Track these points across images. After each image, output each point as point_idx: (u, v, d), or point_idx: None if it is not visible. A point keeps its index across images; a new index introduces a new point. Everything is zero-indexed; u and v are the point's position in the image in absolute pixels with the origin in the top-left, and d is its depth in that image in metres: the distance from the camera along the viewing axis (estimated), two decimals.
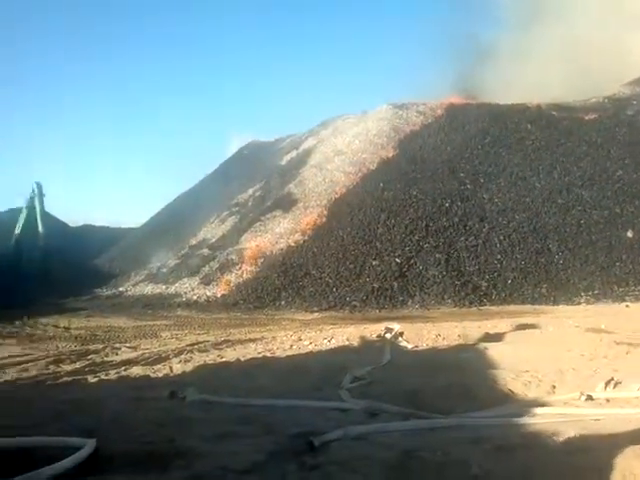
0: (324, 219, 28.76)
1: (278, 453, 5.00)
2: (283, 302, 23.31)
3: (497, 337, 11.59)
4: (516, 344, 10.16)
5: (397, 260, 23.86)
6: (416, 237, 25.18)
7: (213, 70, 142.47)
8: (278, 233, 29.41)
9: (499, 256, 24.22)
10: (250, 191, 39.06)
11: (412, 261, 23.91)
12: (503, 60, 48.66)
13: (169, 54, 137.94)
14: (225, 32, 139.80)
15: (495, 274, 23.36)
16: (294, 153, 40.94)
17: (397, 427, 5.50)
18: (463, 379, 7.53)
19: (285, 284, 24.45)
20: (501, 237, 25.23)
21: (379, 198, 28.13)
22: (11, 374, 9.61)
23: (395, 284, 22.67)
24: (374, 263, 24.03)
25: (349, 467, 4.57)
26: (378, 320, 15.04)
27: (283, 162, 40.77)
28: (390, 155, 32.92)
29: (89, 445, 5.00)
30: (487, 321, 14.82)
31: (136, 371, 9.57)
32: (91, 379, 9.01)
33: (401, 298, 21.91)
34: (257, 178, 40.30)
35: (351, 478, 4.38)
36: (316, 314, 20.47)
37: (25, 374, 9.62)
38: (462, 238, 25.19)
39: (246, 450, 5.09)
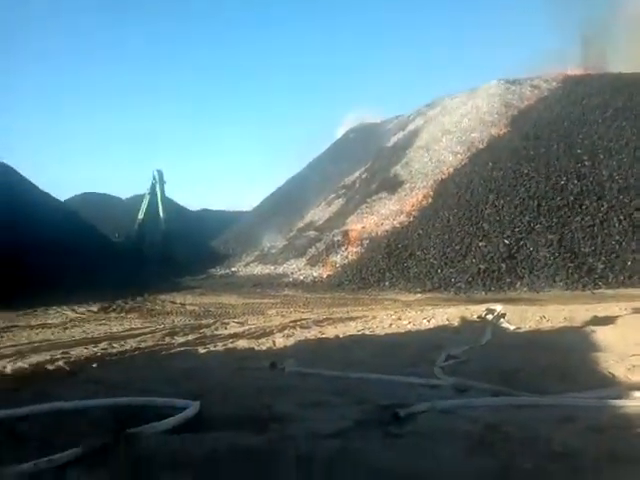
0: (430, 200, 28.41)
1: (365, 422, 5.21)
2: (387, 283, 23.41)
3: (607, 321, 11.00)
4: (626, 327, 9.62)
5: (505, 241, 23.10)
6: (527, 217, 24.20)
7: (324, 50, 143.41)
8: (383, 215, 29.46)
9: (618, 237, 22.71)
10: (357, 173, 39.28)
11: (522, 242, 23.04)
12: (626, 27, 45.03)
13: (284, 36, 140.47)
14: (337, 12, 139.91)
15: (613, 255, 21.96)
16: (400, 134, 40.59)
17: (484, 403, 5.52)
18: (563, 361, 7.32)
19: (390, 265, 24.51)
20: (621, 217, 23.61)
21: (488, 178, 27.29)
22: (131, 344, 10.53)
23: (503, 265, 22.00)
24: (481, 244, 23.43)
25: (432, 437, 4.69)
26: (483, 302, 14.74)
27: (389, 144, 40.55)
28: (501, 132, 31.78)
29: (194, 407, 5.51)
30: (599, 304, 14.06)
31: (242, 344, 10.14)
32: (201, 350, 9.67)
33: (509, 280, 21.22)
34: (363, 160, 40.41)
35: (432, 447, 4.50)
36: (419, 295, 20.38)
37: (143, 344, 10.50)
38: (577, 218, 23.87)
39: (335, 418, 5.35)
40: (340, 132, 55.64)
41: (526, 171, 26.87)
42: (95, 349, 9.91)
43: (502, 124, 32.58)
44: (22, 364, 8.60)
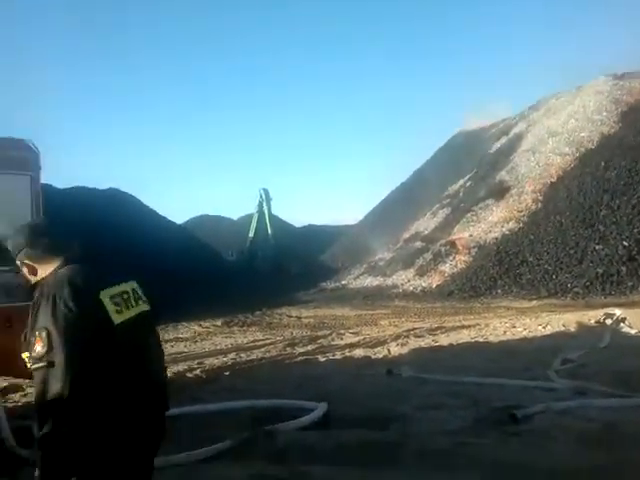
0: (539, 204, 27.70)
1: (482, 421, 5.60)
2: (499, 291, 23.08)
3: None
4: None
5: (625, 243, 22.04)
6: None
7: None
8: (491, 222, 29.03)
9: None
10: (461, 182, 38.91)
11: None
12: None
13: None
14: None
15: None
16: (504, 139, 39.75)
17: (599, 404, 5.68)
18: None
19: (501, 272, 24.15)
20: None
21: (601, 178, 26.15)
22: (256, 354, 11.40)
23: (623, 268, 21.00)
24: (597, 247, 22.52)
25: (548, 436, 4.99)
26: (603, 307, 14.33)
27: (493, 150, 39.84)
28: (612, 130, 30.33)
29: (322, 407, 6.17)
30: None
31: (358, 353, 10.69)
32: (321, 359, 10.33)
33: (630, 283, 20.23)
34: (467, 168, 39.96)
35: (549, 445, 4.80)
36: (534, 302, 19.96)
37: (268, 354, 11.34)
38: None
39: (452, 418, 5.78)
40: (442, 141, 55.25)
41: None
42: (225, 359, 10.85)
43: (612, 121, 31.09)
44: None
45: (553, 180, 29.06)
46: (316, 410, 6.08)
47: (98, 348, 1.96)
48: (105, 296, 2.05)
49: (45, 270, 2.19)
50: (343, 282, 34.74)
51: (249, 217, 49.01)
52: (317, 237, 52.39)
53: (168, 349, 13.18)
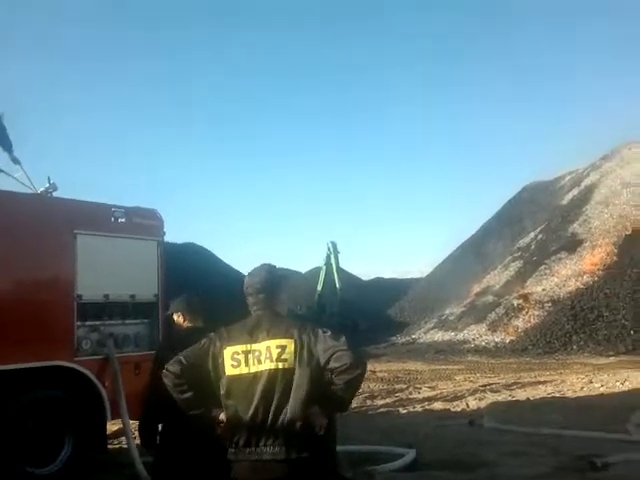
0: (614, 257, 27.37)
1: (562, 469, 6.09)
2: (575, 346, 22.81)
3: None
4: None
5: None
6: None
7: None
8: (565, 275, 28.79)
9: None
10: (532, 234, 38.70)
11: None
12: None
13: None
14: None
15: None
16: (575, 191, 39.45)
17: None
18: None
19: (576, 328, 23.89)
20: None
21: None
22: None
23: None
24: None
25: None
26: None
27: (564, 201, 39.54)
28: None
29: (411, 453, 6.83)
30: None
31: (437, 406, 11.16)
32: (402, 410, 10.87)
33: None
34: (538, 220, 39.75)
35: None
36: (612, 358, 19.67)
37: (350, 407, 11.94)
38: None
39: (534, 464, 6.30)
40: (512, 192, 54.94)
41: None
42: None
43: None
44: None
45: (628, 233, 28.67)
46: (407, 455, 6.72)
47: None
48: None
49: None
50: (413, 336, 34.83)
51: (317, 270, 49.78)
52: (384, 290, 52.58)
53: None
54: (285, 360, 2.62)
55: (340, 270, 46.32)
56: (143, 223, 7.20)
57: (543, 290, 28.70)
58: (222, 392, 2.69)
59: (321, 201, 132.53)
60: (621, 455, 6.24)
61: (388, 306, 46.70)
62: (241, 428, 2.62)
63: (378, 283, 59.05)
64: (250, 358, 2.65)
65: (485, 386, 13.69)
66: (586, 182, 39.56)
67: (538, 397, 11.61)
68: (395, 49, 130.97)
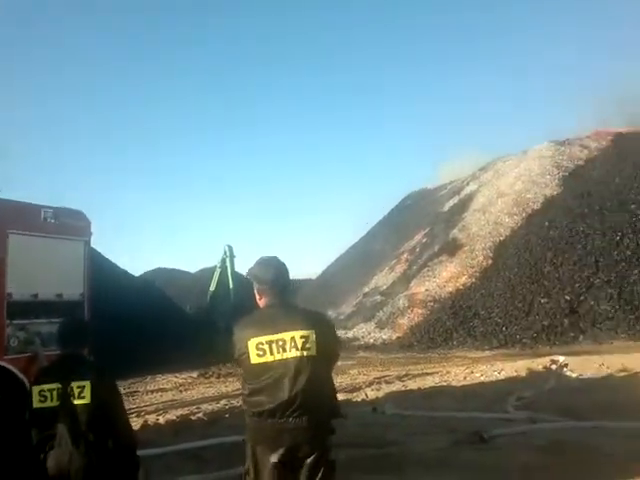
0: (490, 261, 29.87)
1: (458, 442, 7.10)
2: (455, 342, 24.78)
3: None
4: None
5: (566, 297, 24.24)
6: (585, 273, 25.30)
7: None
8: (445, 277, 31.00)
9: None
10: (416, 238, 41.09)
11: (582, 297, 24.12)
12: None
13: None
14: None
15: None
16: (456, 199, 42.36)
17: (547, 427, 7.29)
18: (614, 398, 8.91)
19: (456, 325, 25.93)
20: None
21: (545, 237, 28.63)
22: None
23: (565, 321, 23.10)
24: (543, 301, 24.65)
25: (510, 449, 6.49)
26: (548, 355, 16.12)
27: (445, 208, 42.34)
28: (554, 193, 33.15)
29: None
30: None
31: (339, 397, 11.98)
32: None
33: (572, 334, 22.29)
34: (422, 226, 42.26)
35: (511, 454, 6.29)
36: (487, 352, 21.69)
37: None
38: (635, 271, 24.82)
39: (435, 441, 7.24)
40: (394, 201, 57.72)
41: (581, 228, 28.06)
42: (219, 405, 11.96)
43: (554, 184, 33.96)
44: (170, 417, 10.73)
45: (502, 238, 31.41)
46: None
47: None
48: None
49: None
50: None
51: (207, 271, 49.42)
52: None
53: (158, 399, 14.15)
54: (309, 349, 3.04)
55: (235, 274, 46.39)
56: (71, 224, 7.36)
57: (426, 290, 30.72)
58: (246, 377, 3.12)
59: (210, 203, 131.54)
60: (503, 429, 7.38)
61: None
62: (266, 404, 2.99)
63: None
64: (274, 347, 3.03)
65: (379, 378, 14.78)
66: (466, 191, 42.58)
67: (428, 386, 12.85)
68: None
